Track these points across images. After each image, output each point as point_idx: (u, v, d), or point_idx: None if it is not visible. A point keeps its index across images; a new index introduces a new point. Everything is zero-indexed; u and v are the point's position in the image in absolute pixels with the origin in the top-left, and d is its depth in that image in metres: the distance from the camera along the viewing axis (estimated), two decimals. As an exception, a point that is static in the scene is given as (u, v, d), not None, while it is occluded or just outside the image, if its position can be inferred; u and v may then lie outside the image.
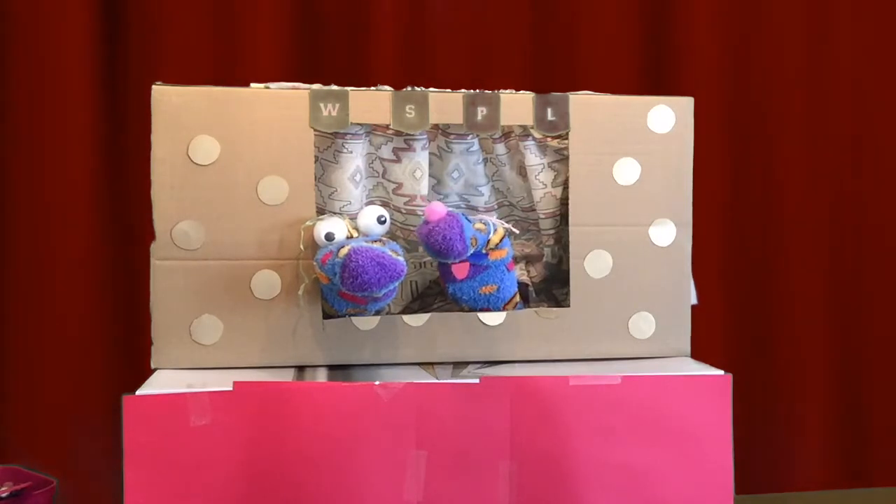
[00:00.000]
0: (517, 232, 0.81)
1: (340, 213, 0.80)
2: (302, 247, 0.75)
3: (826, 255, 1.36)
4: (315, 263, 0.72)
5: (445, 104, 0.79)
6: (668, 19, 1.30)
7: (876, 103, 1.36)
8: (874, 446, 1.37)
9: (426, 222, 0.73)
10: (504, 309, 0.79)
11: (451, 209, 0.73)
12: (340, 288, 0.69)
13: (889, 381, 1.38)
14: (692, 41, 1.30)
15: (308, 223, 0.75)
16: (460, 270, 0.76)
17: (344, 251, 0.68)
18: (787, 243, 1.34)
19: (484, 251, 0.76)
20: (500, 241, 0.77)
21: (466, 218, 0.73)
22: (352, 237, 0.74)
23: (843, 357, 1.37)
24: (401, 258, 0.70)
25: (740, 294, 1.34)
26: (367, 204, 0.83)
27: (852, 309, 1.37)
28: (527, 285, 0.87)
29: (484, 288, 0.77)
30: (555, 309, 0.82)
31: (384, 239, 0.74)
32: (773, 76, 1.32)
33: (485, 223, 0.76)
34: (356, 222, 0.76)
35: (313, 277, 0.75)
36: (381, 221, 0.75)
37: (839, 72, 1.35)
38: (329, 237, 0.73)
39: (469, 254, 0.74)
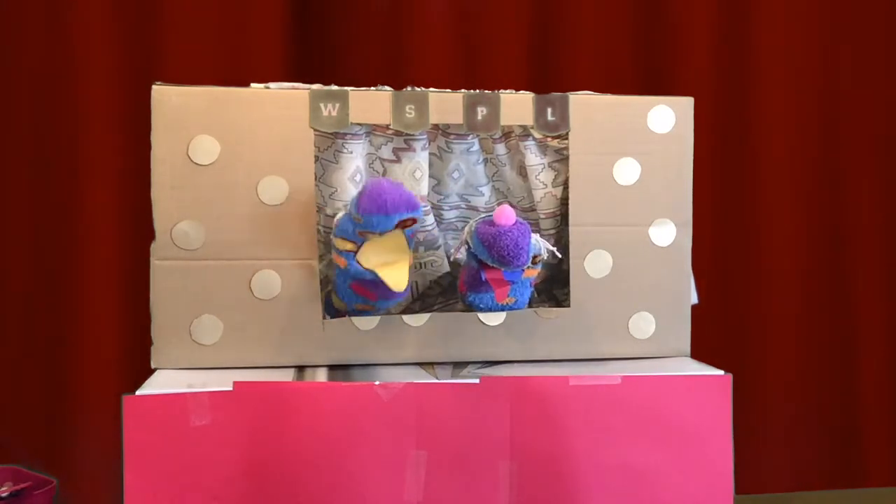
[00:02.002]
0: (560, 256, 0.81)
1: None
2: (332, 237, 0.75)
3: (823, 255, 1.36)
4: (333, 238, 0.72)
5: (445, 104, 0.78)
6: (663, 19, 1.30)
7: (871, 105, 1.36)
8: (872, 446, 1.37)
9: (492, 224, 0.72)
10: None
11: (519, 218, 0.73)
12: (354, 214, 0.69)
13: (886, 380, 1.38)
14: (687, 42, 1.30)
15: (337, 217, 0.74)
16: (502, 295, 0.76)
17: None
18: (779, 243, 1.34)
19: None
20: (538, 261, 0.77)
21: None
22: None
23: (842, 356, 1.37)
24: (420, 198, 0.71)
25: (738, 294, 1.34)
26: None
27: (849, 308, 1.37)
28: (527, 285, 0.87)
29: (505, 300, 0.77)
30: (555, 309, 0.82)
31: None
32: (765, 78, 1.33)
33: (536, 241, 0.76)
34: None
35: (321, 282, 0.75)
36: None
37: (830, 73, 1.35)
38: None
39: (525, 266, 0.74)
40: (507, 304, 0.78)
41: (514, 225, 0.72)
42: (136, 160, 1.09)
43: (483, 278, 0.75)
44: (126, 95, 1.18)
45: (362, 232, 0.69)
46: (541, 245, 0.76)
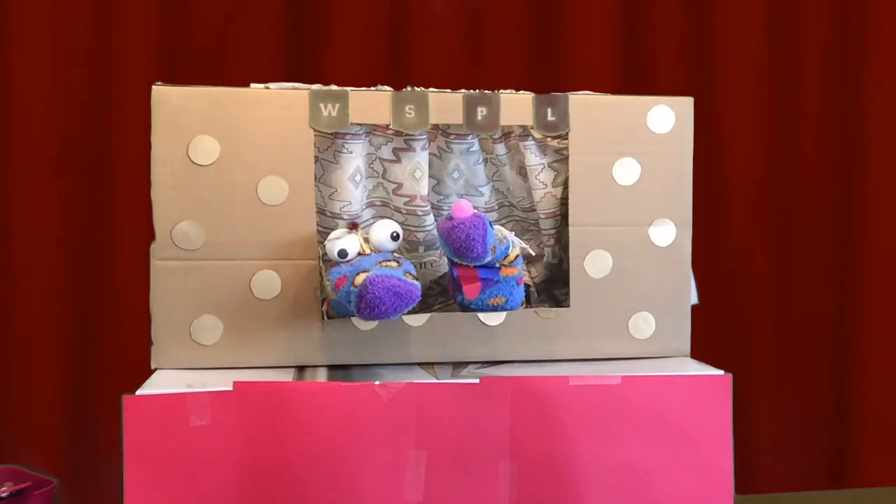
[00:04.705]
0: (533, 254, 0.81)
1: (342, 216, 0.80)
2: (322, 261, 0.75)
3: (824, 255, 1.36)
4: (328, 284, 0.72)
5: (445, 104, 0.78)
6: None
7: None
8: (872, 446, 1.37)
9: (450, 218, 0.72)
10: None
11: (477, 212, 0.73)
12: (354, 313, 0.70)
13: (886, 380, 1.38)
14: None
15: (326, 243, 0.74)
16: (471, 291, 0.76)
17: (360, 279, 0.68)
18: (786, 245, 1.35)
19: (497, 265, 0.76)
20: (515, 259, 0.77)
21: (491, 224, 0.73)
22: (363, 253, 0.73)
23: (842, 356, 1.37)
24: (417, 282, 0.70)
25: (739, 294, 1.35)
26: (377, 214, 0.83)
27: (849, 309, 1.37)
28: (527, 285, 0.87)
29: (493, 300, 0.77)
30: (555, 309, 0.82)
31: (398, 257, 0.74)
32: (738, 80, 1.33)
33: (504, 237, 0.75)
34: (368, 234, 0.75)
35: (319, 288, 0.75)
36: (394, 238, 0.74)
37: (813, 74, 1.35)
38: (342, 254, 0.72)
39: (486, 261, 0.73)
40: (497, 303, 0.77)
41: (467, 218, 0.72)
42: (137, 159, 1.09)
43: (455, 275, 0.76)
44: (127, 95, 1.18)
45: None
46: (511, 241, 0.76)
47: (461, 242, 0.71)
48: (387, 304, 0.67)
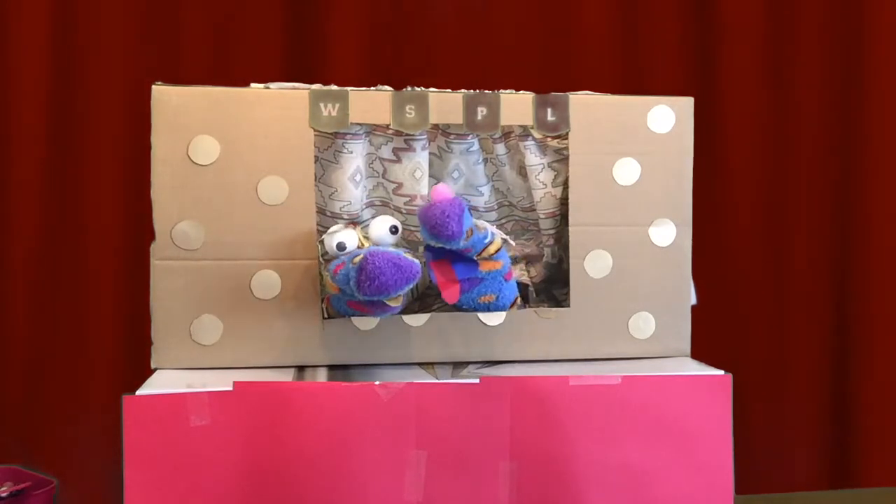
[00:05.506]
0: (514, 245, 0.82)
1: (342, 216, 0.80)
2: (322, 259, 0.75)
3: (824, 254, 1.36)
4: (327, 274, 0.72)
5: (445, 104, 0.78)
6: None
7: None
8: (872, 446, 1.37)
9: (429, 201, 0.72)
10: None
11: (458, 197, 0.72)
12: (356, 296, 0.69)
13: (886, 380, 1.38)
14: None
15: (325, 237, 0.74)
16: (451, 296, 0.75)
17: (358, 257, 0.68)
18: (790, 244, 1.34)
19: (476, 258, 0.76)
20: (497, 251, 0.77)
21: (470, 212, 0.73)
22: (363, 247, 0.73)
23: (842, 356, 1.37)
24: (416, 260, 0.70)
25: (739, 294, 1.35)
26: (377, 213, 0.83)
27: (850, 309, 1.37)
28: (527, 285, 0.87)
29: (482, 298, 0.77)
30: (555, 309, 0.82)
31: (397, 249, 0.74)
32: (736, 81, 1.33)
33: (485, 227, 0.75)
34: (367, 231, 0.75)
35: (321, 284, 0.75)
36: (392, 231, 0.74)
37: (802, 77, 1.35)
38: (340, 247, 0.72)
39: (461, 244, 0.72)
40: (488, 301, 0.77)
41: (444, 199, 0.71)
42: (136, 160, 1.10)
43: (433, 281, 0.75)
44: (128, 94, 1.18)
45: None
46: (491, 232, 0.76)
47: (436, 220, 0.70)
48: (387, 275, 0.67)
